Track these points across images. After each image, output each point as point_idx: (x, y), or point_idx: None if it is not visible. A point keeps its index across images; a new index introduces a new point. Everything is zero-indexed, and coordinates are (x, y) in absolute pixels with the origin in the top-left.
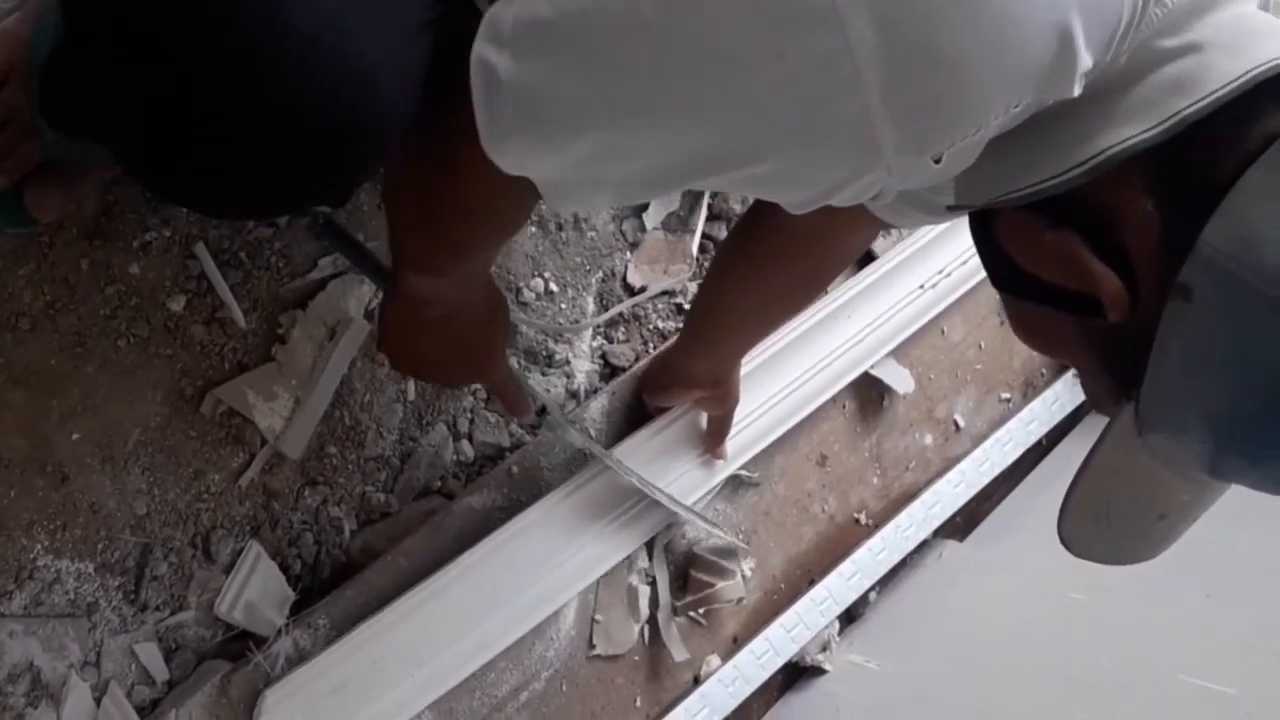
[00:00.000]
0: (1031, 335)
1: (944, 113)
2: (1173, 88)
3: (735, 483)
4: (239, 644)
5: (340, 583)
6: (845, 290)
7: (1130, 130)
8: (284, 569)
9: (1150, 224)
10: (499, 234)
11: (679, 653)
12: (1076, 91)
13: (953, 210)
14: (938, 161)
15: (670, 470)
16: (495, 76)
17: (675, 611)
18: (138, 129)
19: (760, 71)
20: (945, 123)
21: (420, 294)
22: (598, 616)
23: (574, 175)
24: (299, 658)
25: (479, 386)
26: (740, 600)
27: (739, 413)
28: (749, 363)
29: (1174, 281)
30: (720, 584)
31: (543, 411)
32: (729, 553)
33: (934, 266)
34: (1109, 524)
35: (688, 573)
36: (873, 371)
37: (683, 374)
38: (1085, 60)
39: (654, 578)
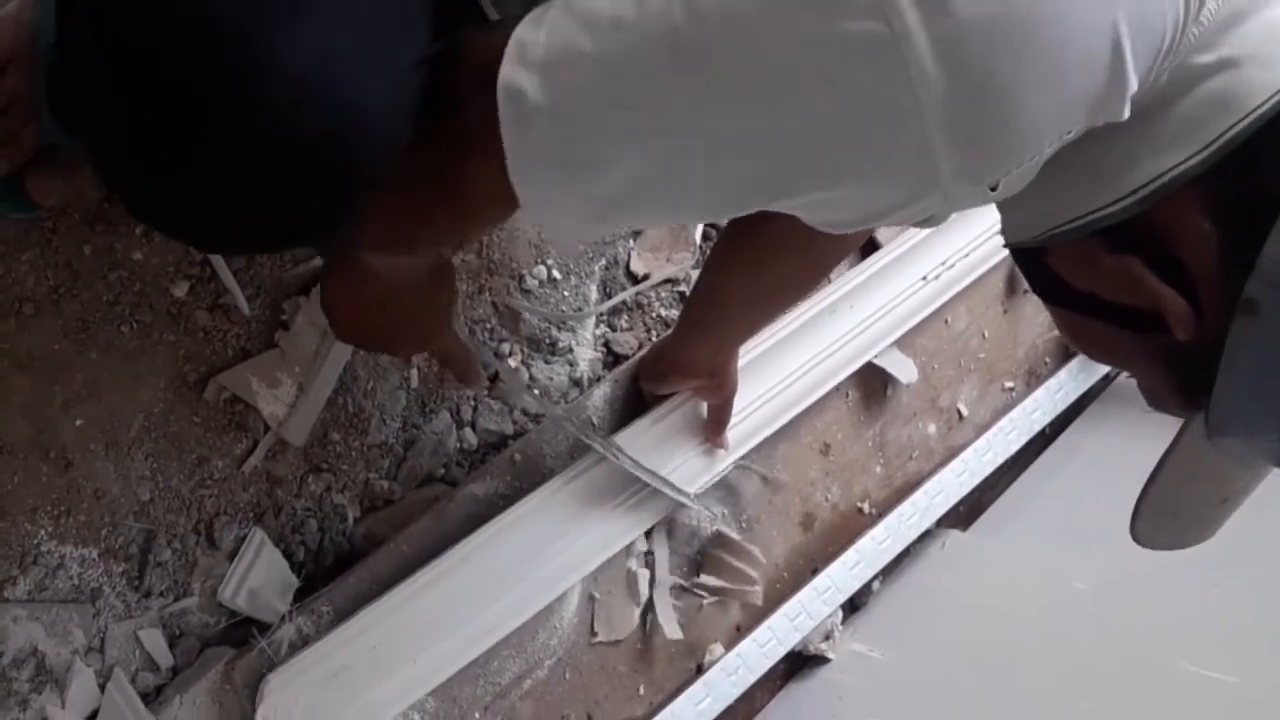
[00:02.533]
0: (1086, 345)
1: (1003, 140)
2: (1214, 106)
3: (738, 472)
4: (243, 630)
5: (344, 570)
6: (847, 280)
7: (1179, 155)
8: (287, 556)
9: (1209, 241)
10: (480, 233)
11: (671, 630)
12: (1126, 114)
13: (1006, 247)
14: (994, 189)
15: (671, 458)
16: (524, 99)
17: (684, 590)
18: (122, 151)
19: (813, 100)
20: (1004, 150)
21: (370, 268)
22: (596, 594)
23: (601, 206)
24: (302, 644)
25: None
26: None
27: (741, 401)
28: (751, 351)
29: (1239, 297)
30: (738, 577)
31: (495, 378)
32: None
33: (937, 258)
34: (1178, 518)
35: (706, 555)
36: (876, 361)
37: (680, 362)
38: (1134, 82)
39: (653, 553)
